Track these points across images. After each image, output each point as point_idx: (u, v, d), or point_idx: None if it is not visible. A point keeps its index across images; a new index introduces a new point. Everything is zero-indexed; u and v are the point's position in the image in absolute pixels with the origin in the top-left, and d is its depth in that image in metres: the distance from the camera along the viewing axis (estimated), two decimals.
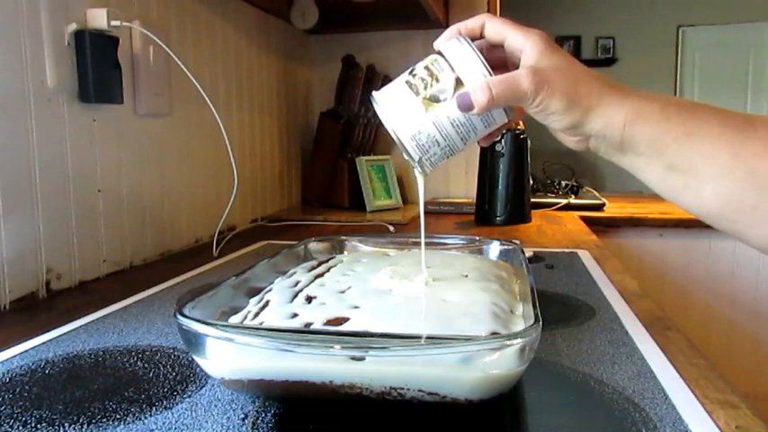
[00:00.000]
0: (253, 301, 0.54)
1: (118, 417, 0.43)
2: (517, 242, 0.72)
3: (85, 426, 0.42)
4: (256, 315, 0.50)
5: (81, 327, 0.64)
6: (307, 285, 0.56)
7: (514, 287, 0.58)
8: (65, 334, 0.62)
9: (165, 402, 0.45)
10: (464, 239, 0.75)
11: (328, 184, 1.62)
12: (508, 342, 0.39)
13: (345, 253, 0.74)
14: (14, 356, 0.56)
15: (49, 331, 0.62)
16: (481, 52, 0.50)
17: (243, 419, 0.42)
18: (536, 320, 0.41)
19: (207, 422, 0.42)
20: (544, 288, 0.78)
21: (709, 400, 0.45)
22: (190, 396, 0.46)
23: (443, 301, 0.50)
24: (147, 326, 0.64)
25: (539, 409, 0.45)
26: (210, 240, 1.09)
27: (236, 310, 0.52)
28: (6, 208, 0.72)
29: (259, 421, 0.42)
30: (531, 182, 1.52)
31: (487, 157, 1.42)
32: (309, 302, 0.51)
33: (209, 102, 0.93)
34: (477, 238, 0.75)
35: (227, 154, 0.99)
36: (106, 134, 0.89)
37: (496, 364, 0.39)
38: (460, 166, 1.73)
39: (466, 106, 0.48)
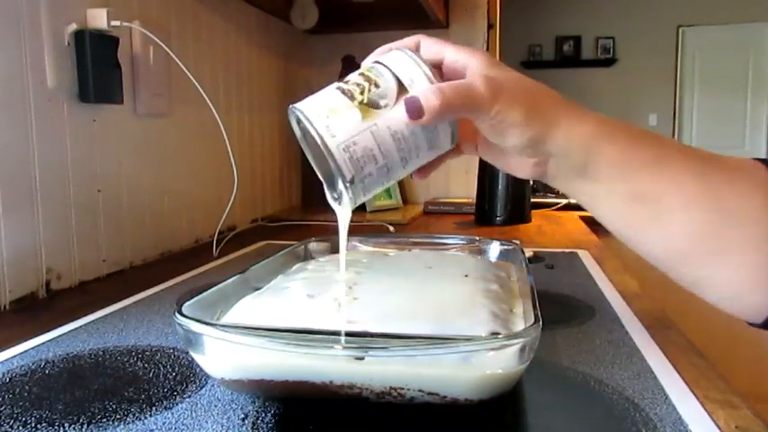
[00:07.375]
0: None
1: (118, 417, 0.43)
2: (517, 242, 0.72)
3: (85, 426, 0.42)
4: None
5: (81, 327, 0.64)
6: None
7: (514, 287, 0.58)
8: (65, 334, 0.62)
9: (165, 402, 0.45)
10: (464, 239, 0.75)
11: None
12: (508, 342, 0.39)
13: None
14: (14, 356, 0.56)
15: (49, 331, 0.63)
16: None
17: (243, 419, 0.42)
18: (536, 320, 0.41)
19: (207, 422, 0.42)
20: (544, 288, 0.78)
21: (709, 400, 0.45)
22: (190, 396, 0.46)
23: (444, 301, 0.50)
24: (147, 326, 0.64)
25: (539, 409, 0.45)
26: (210, 240, 1.09)
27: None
28: (6, 208, 0.72)
29: (259, 421, 0.42)
30: (531, 182, 1.52)
31: None
32: None
33: (209, 102, 0.93)
34: (477, 238, 0.75)
35: (227, 154, 0.99)
36: (106, 134, 0.89)
37: (496, 364, 0.39)
38: (460, 166, 1.72)
39: (416, 111, 0.41)
